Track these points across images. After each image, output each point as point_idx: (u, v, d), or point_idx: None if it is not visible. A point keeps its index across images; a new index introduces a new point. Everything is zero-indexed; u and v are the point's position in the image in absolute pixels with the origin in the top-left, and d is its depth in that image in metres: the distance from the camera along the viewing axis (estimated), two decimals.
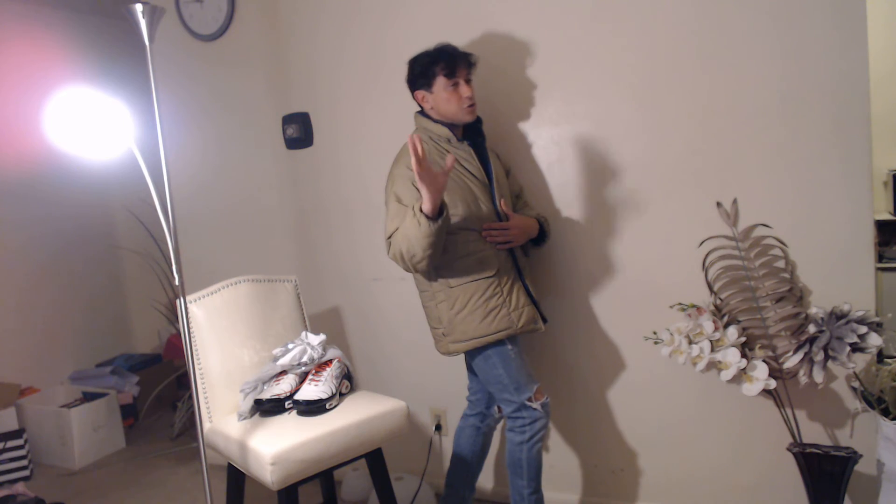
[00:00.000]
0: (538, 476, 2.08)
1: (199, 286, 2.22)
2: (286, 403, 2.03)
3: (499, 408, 2.21)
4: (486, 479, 2.57)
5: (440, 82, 2.01)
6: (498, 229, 2.01)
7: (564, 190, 2.30)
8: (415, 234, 1.81)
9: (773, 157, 1.99)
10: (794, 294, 1.97)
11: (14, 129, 3.42)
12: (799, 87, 1.94)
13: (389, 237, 1.94)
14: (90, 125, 1.67)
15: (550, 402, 2.10)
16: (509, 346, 2.02)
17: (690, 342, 1.97)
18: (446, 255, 1.97)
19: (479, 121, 2.11)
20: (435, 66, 2.01)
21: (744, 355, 1.92)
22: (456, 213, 1.97)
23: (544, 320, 2.13)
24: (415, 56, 2.05)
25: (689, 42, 2.05)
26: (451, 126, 2.06)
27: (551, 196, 2.32)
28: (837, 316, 1.82)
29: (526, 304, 2.05)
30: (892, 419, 1.76)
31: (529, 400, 2.02)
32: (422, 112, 2.10)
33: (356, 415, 2.00)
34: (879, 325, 1.79)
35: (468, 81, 2.04)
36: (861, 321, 1.79)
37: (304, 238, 2.85)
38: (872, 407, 1.82)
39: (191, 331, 1.83)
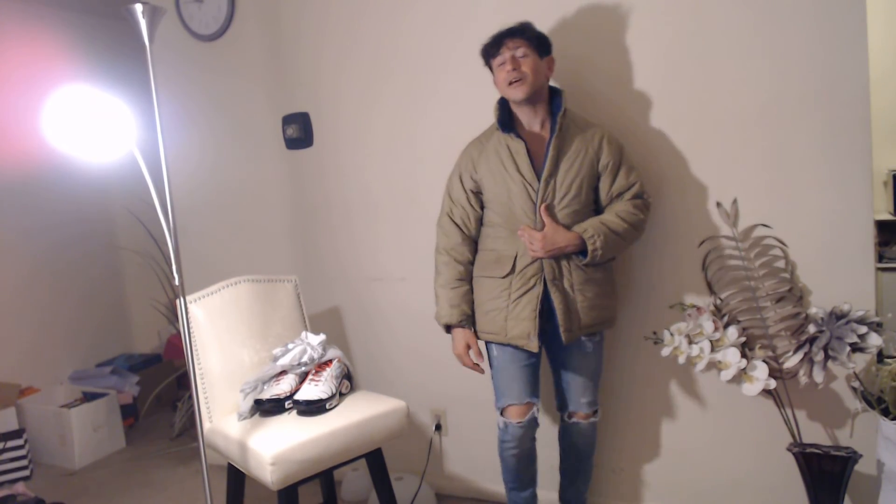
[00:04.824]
0: (512, 477, 2.12)
1: (199, 286, 2.22)
2: (286, 403, 2.03)
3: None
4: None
5: (493, 66, 1.96)
6: (528, 236, 1.90)
7: None
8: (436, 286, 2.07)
9: (773, 156, 1.99)
10: (794, 294, 1.97)
11: (14, 129, 3.42)
12: (799, 87, 1.93)
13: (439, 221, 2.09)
14: (91, 125, 1.66)
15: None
16: (496, 353, 2.03)
17: (690, 342, 1.97)
18: (479, 242, 2.06)
19: (558, 105, 1.94)
20: (484, 56, 1.98)
21: (744, 355, 1.92)
22: (490, 206, 2.00)
23: (562, 340, 1.94)
24: None
25: (688, 42, 2.05)
26: (508, 110, 1.98)
27: None
28: (837, 316, 1.82)
29: (528, 318, 1.92)
30: (892, 419, 1.76)
31: (502, 412, 2.04)
32: None
33: (356, 415, 2.00)
34: (879, 325, 1.79)
35: (520, 56, 1.88)
36: (861, 321, 1.79)
37: (304, 238, 2.85)
38: (872, 407, 1.81)
39: (191, 331, 1.84)
